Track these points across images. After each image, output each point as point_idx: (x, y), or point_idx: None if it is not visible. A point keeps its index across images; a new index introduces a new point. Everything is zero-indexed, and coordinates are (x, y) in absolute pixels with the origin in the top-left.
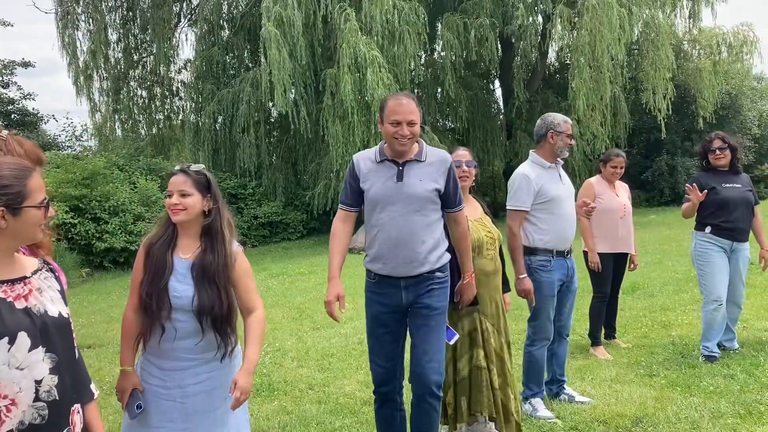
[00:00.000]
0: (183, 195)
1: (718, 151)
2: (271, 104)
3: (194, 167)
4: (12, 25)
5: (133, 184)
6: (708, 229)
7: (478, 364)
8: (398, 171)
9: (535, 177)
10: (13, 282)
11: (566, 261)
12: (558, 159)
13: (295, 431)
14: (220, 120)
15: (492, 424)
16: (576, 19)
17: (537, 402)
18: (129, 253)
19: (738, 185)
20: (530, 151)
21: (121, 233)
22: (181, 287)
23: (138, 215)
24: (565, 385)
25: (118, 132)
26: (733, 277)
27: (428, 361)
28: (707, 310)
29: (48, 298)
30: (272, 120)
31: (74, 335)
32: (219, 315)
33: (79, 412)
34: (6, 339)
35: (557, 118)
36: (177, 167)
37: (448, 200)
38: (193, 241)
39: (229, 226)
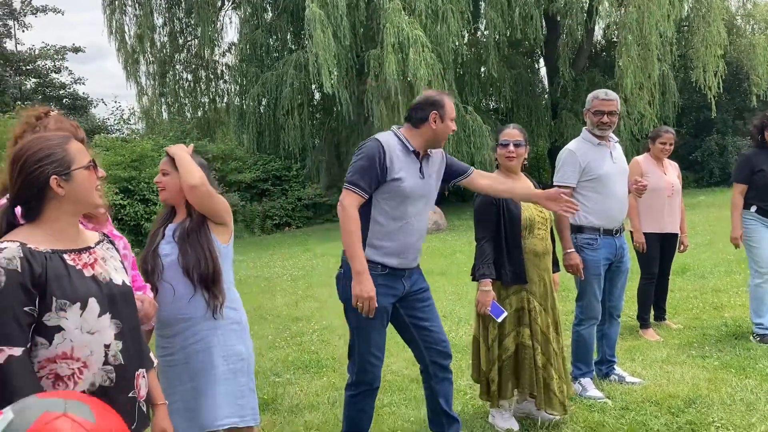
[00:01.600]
0: (164, 174)
1: None
2: (313, 86)
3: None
4: (62, 13)
5: None
6: (753, 209)
7: (524, 342)
8: (420, 167)
9: (581, 153)
10: (79, 251)
11: (614, 240)
12: (611, 137)
13: None
14: (264, 102)
15: (529, 403)
16: None
17: (586, 382)
18: None
19: None
20: (584, 128)
21: None
22: (168, 248)
23: None
24: (615, 366)
25: (165, 115)
26: None
27: (444, 335)
28: (755, 284)
29: (112, 267)
30: (315, 102)
31: (136, 304)
32: (205, 272)
33: (144, 376)
34: (78, 304)
35: (592, 94)
36: None
37: (460, 167)
38: (183, 214)
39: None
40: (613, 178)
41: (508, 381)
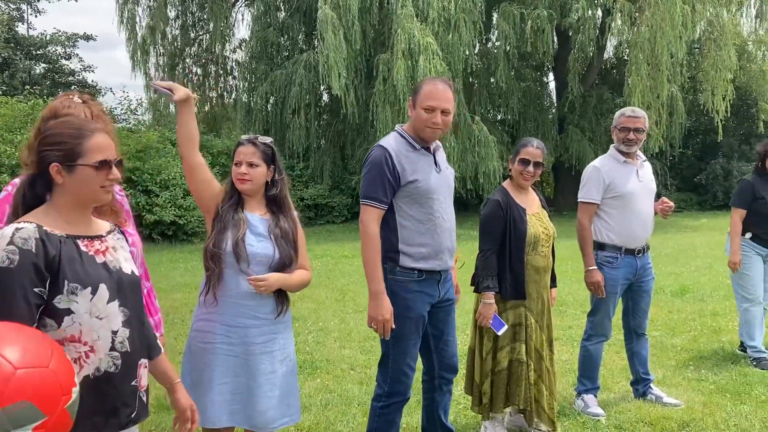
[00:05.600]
0: (251, 165)
1: None
2: (322, 87)
3: (262, 139)
4: (76, 0)
5: None
6: (748, 235)
7: (519, 358)
8: (434, 160)
9: (606, 170)
10: (92, 238)
11: (636, 260)
12: (638, 155)
13: (337, 410)
14: (271, 101)
15: (522, 417)
16: (637, 14)
17: (589, 398)
18: (177, 226)
19: None
20: (612, 145)
21: (170, 207)
22: (257, 240)
23: (188, 190)
24: (651, 385)
25: (172, 108)
26: (764, 280)
27: (456, 350)
28: (743, 308)
29: (122, 256)
30: (322, 103)
31: (143, 294)
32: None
33: (145, 366)
34: (89, 289)
35: (619, 111)
36: (245, 137)
37: None
38: (258, 206)
39: (289, 195)
40: (637, 197)
41: (499, 395)
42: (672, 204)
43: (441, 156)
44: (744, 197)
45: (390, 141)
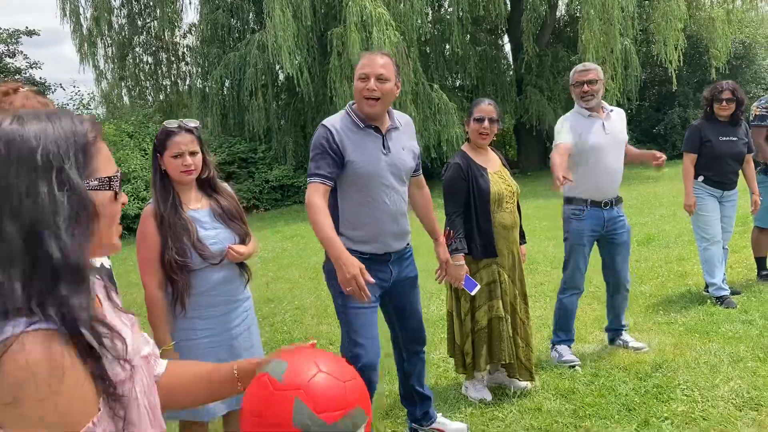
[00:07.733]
0: (192, 154)
1: (725, 102)
2: (278, 67)
3: (192, 123)
4: None
5: (144, 150)
6: (700, 179)
7: (498, 315)
8: (383, 141)
9: (572, 124)
10: None
11: (603, 212)
12: (603, 107)
13: None
14: (227, 84)
15: (501, 374)
16: None
17: (563, 348)
18: None
19: (734, 138)
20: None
21: (133, 200)
22: (214, 234)
23: (150, 182)
24: (622, 332)
25: (126, 99)
26: (722, 221)
27: (422, 322)
28: (702, 247)
29: None
30: (280, 83)
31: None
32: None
33: None
34: None
35: (573, 69)
36: (172, 125)
37: (417, 165)
38: (193, 193)
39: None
40: (604, 150)
41: (481, 353)
42: (664, 156)
43: (397, 137)
44: (693, 142)
45: (334, 119)
